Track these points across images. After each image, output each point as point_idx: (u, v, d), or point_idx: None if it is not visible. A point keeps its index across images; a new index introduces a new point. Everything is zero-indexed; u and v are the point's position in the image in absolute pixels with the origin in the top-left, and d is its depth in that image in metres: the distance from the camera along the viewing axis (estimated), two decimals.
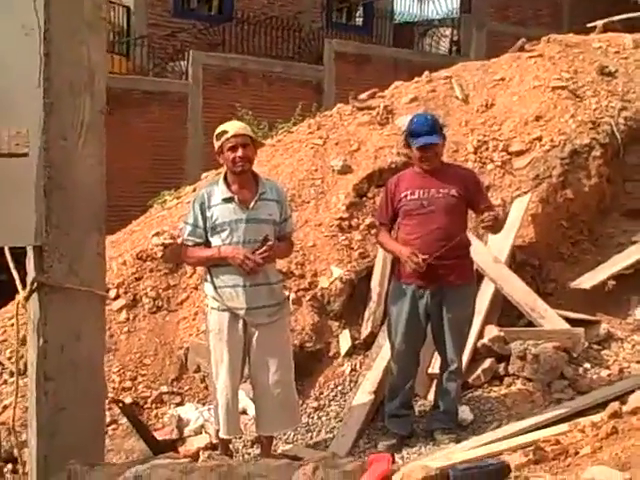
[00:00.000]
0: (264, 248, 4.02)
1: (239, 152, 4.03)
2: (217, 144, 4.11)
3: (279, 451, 4.54)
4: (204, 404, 5.04)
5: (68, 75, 2.70)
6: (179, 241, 5.06)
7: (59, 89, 2.69)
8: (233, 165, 4.07)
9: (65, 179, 2.70)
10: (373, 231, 5.66)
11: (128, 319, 5.60)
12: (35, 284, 2.72)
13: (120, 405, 4.71)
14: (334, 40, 16.30)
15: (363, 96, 7.51)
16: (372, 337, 5.37)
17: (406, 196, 4.45)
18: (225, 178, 4.15)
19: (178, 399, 5.17)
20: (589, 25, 10.42)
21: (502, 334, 5.11)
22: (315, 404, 5.10)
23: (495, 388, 4.98)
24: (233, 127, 4.14)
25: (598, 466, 2.60)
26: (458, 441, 4.40)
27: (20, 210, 2.65)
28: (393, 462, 3.23)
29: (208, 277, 4.18)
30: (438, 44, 19.49)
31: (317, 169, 6.47)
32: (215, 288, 4.12)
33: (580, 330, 5.18)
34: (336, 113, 7.33)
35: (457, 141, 6.53)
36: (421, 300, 4.43)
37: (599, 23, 10.11)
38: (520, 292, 5.42)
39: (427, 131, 4.47)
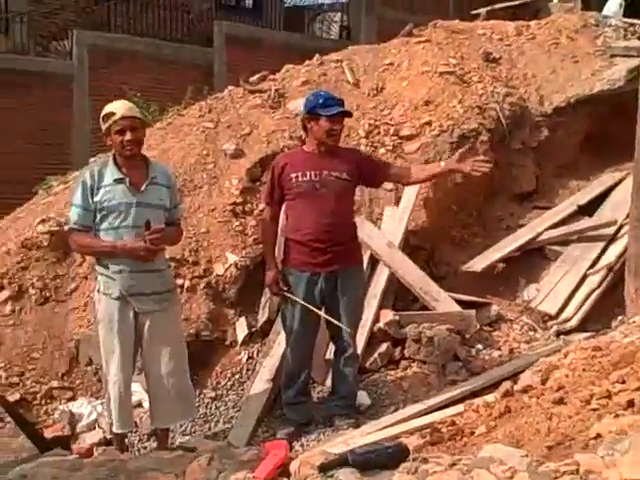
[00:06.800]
0: (153, 229, 3.85)
1: (127, 136, 3.87)
2: (104, 126, 3.93)
3: (176, 443, 4.44)
4: (97, 398, 4.91)
5: None
6: (66, 228, 4.85)
7: None
8: (122, 149, 3.91)
9: None
10: None
11: (13, 311, 5.36)
12: None
13: (1, 402, 4.49)
14: (224, 22, 16.04)
15: (254, 79, 7.40)
16: (269, 324, 5.32)
17: (297, 177, 4.33)
18: (114, 160, 3.98)
19: (69, 394, 5.02)
20: (473, 12, 10.72)
21: (397, 318, 5.17)
22: (213, 394, 5.03)
23: (392, 372, 5.04)
24: (121, 109, 3.95)
25: (494, 444, 2.64)
26: (357, 426, 4.41)
27: None
28: (290, 449, 3.21)
29: (96, 263, 4.04)
30: (329, 29, 19.51)
31: (209, 153, 6.34)
32: (104, 274, 3.97)
33: (472, 312, 5.31)
34: (227, 96, 7.19)
35: (349, 125, 6.53)
36: (316, 286, 4.36)
37: (482, 11, 10.41)
38: (414, 276, 5.50)
39: (339, 102, 4.40)
